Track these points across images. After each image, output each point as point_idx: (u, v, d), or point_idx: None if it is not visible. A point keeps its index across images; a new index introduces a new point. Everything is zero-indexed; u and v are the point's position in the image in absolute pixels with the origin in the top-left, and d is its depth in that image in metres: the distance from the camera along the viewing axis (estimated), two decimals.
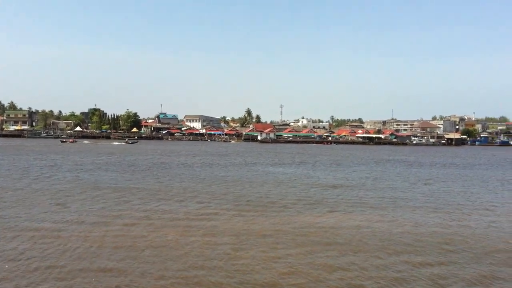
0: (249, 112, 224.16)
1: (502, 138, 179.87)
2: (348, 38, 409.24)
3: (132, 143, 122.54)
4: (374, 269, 13.87)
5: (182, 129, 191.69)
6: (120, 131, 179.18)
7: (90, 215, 20.70)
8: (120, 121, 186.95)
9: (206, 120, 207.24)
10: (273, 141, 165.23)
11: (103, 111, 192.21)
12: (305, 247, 16.09)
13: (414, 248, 16.24)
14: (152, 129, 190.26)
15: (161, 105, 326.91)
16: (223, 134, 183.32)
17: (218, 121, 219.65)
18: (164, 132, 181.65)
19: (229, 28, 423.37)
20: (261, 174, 42.52)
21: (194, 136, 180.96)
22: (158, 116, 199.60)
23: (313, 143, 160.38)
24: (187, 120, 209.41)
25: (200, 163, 55.14)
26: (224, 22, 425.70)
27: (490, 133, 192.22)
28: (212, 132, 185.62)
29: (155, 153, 76.34)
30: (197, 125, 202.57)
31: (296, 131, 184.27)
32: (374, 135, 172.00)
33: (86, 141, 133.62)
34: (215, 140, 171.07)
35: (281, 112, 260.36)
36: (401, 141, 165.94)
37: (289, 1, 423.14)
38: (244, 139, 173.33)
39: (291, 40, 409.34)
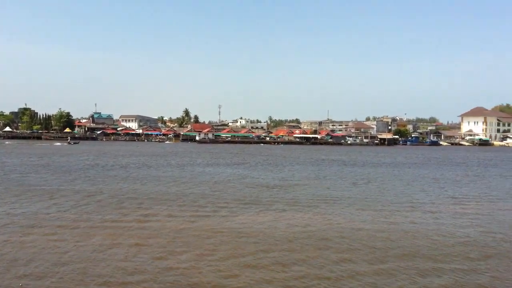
0: (187, 112, 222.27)
1: (432, 138, 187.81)
2: (286, 40, 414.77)
3: (74, 143, 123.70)
4: (309, 268, 14.13)
5: (118, 129, 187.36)
6: (52, 131, 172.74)
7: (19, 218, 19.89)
8: (52, 121, 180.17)
9: (143, 120, 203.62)
10: (212, 141, 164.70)
11: (34, 110, 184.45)
12: (241, 248, 16.16)
13: (343, 245, 16.67)
14: (86, 129, 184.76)
15: (96, 104, 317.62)
16: (160, 135, 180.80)
17: (155, 121, 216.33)
18: (98, 132, 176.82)
19: (166, 28, 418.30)
20: (198, 175, 42.30)
21: (131, 136, 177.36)
22: (92, 116, 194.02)
23: (251, 143, 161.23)
24: (123, 120, 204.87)
25: (136, 164, 54.14)
26: (161, 21, 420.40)
27: (420, 133, 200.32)
28: (149, 133, 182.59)
29: (94, 154, 74.25)
30: (133, 125, 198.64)
31: (235, 131, 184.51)
32: (310, 135, 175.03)
33: (7, 142, 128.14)
34: (152, 141, 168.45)
35: (219, 112, 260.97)
36: (337, 141, 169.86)
37: (226, 3, 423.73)
38: (182, 139, 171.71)
39: (229, 40, 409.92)
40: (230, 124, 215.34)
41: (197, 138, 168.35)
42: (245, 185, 34.70)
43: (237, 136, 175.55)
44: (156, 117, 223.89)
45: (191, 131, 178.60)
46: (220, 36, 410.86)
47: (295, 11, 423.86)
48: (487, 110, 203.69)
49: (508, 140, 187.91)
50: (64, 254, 14.83)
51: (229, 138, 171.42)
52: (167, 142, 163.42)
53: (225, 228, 18.96)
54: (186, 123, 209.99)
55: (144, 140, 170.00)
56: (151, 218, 20.76)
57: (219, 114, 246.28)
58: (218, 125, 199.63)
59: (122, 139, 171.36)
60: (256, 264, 14.23)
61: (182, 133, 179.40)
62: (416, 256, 15.41)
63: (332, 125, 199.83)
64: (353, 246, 16.49)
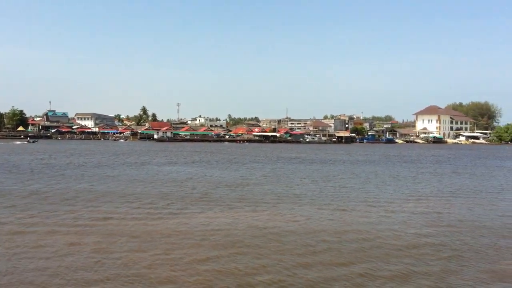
0: (144, 110, 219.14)
1: (387, 136, 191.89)
2: (245, 38, 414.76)
3: (33, 142, 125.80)
4: (267, 268, 14.10)
5: (73, 127, 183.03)
6: (4, 130, 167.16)
7: None
8: (5, 119, 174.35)
9: (99, 118, 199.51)
10: (170, 139, 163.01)
11: None
12: (198, 248, 15.99)
13: (298, 244, 16.73)
14: (40, 127, 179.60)
15: (50, 102, 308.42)
16: (117, 133, 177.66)
17: (112, 119, 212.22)
18: (53, 130, 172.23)
19: (123, 25, 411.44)
20: (155, 174, 41.75)
21: (86, 135, 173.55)
22: (46, 114, 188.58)
23: (211, 141, 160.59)
24: (78, 118, 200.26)
25: (92, 163, 52.98)
26: (117, 19, 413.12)
27: (376, 131, 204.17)
28: (106, 131, 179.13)
29: (49, 153, 72.20)
30: (89, 123, 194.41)
31: (194, 130, 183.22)
32: (270, 134, 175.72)
33: None
34: (109, 139, 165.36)
35: (178, 110, 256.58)
36: (295, 139, 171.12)
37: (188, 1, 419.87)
38: (140, 137, 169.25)
39: (188, 38, 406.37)
40: (189, 122, 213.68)
41: (155, 136, 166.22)
42: (204, 183, 34.47)
43: (196, 134, 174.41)
44: (112, 115, 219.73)
45: (149, 129, 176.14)
46: (178, 34, 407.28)
47: (250, 7, 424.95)
48: (440, 108, 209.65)
49: (461, 138, 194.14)
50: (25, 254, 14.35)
51: (188, 137, 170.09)
52: (124, 140, 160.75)
53: (182, 227, 18.73)
54: (144, 121, 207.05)
55: (100, 139, 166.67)
56: (106, 219, 20.30)
57: (178, 112, 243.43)
58: (176, 123, 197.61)
59: (77, 137, 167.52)
60: (212, 263, 14.09)
61: (139, 132, 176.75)
62: (365, 253, 15.65)
63: (291, 124, 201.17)
64: (309, 245, 16.59)
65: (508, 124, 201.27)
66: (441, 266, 14.23)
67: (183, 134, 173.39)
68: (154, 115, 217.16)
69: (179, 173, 43.32)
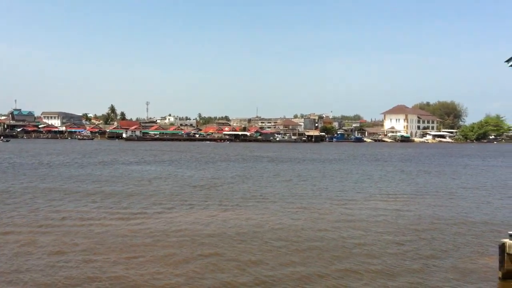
0: (113, 109, 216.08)
1: (356, 135, 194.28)
2: (215, 37, 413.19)
3: (6, 141, 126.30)
4: (230, 268, 14.07)
5: (40, 126, 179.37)
6: None
7: None
8: None
9: (66, 117, 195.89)
10: (139, 138, 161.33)
11: None
12: (166, 248, 15.85)
13: (259, 244, 16.76)
14: (6, 126, 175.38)
15: (15, 101, 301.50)
16: (85, 132, 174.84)
17: (79, 118, 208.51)
18: (19, 130, 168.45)
19: (92, 23, 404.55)
20: (123, 173, 41.24)
21: (53, 134, 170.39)
22: (11, 113, 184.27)
23: (181, 140, 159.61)
24: (45, 117, 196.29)
25: (58, 162, 51.99)
26: (87, 17, 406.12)
27: (346, 130, 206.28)
28: (73, 130, 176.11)
29: (15, 153, 70.52)
30: (56, 122, 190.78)
31: (163, 129, 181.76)
32: (240, 133, 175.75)
33: None
34: (76, 138, 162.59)
35: (147, 109, 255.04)
36: (266, 138, 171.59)
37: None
38: (108, 136, 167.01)
39: (157, 36, 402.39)
40: (158, 121, 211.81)
41: (124, 135, 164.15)
42: (172, 183, 34.23)
43: (166, 133, 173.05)
44: (80, 114, 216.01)
45: (118, 128, 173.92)
46: (147, 32, 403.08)
47: (220, 6, 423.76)
48: (408, 108, 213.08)
49: (428, 137, 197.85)
50: None
51: (158, 136, 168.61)
52: (91, 139, 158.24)
53: (141, 227, 18.55)
54: (112, 120, 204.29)
55: (67, 138, 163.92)
56: (68, 219, 19.95)
57: (147, 111, 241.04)
58: (146, 122, 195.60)
59: (44, 137, 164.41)
60: (181, 264, 13.98)
61: (108, 130, 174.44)
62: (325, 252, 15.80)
63: (262, 123, 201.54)
64: (280, 244, 16.64)
65: (473, 123, 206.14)
66: (403, 265, 14.45)
67: (153, 133, 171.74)
68: (122, 114, 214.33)
69: (146, 172, 42.90)
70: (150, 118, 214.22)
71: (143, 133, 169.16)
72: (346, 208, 24.03)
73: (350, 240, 17.07)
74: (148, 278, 12.70)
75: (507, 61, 13.83)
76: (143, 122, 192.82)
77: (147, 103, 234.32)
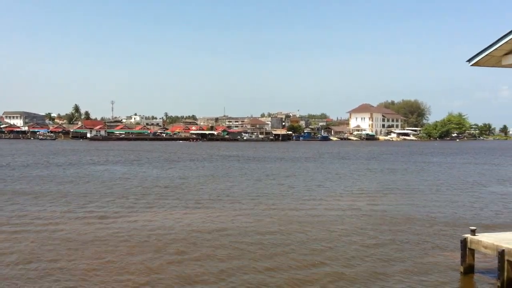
0: (77, 109, 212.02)
1: (323, 134, 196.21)
2: (181, 35, 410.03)
3: None
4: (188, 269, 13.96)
5: (1, 126, 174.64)
6: None
7: None
8: None
9: (29, 117, 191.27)
10: (104, 138, 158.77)
11: None
12: (131, 250, 15.62)
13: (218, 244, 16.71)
14: None
15: None
16: (48, 132, 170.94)
17: (42, 117, 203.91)
18: None
19: (55, 21, 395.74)
20: (87, 174, 40.50)
21: (15, 134, 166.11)
22: None
23: (147, 139, 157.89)
24: (6, 116, 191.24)
25: (19, 163, 50.65)
26: (50, 14, 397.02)
27: (312, 128, 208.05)
28: (36, 130, 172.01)
29: None
30: (18, 122, 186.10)
31: (129, 128, 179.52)
32: (207, 132, 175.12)
33: None
34: (39, 138, 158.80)
35: (112, 108, 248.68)
36: (233, 137, 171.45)
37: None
38: (72, 136, 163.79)
39: (122, 34, 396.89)
40: (124, 120, 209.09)
41: (88, 135, 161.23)
42: (140, 183, 33.81)
43: (131, 133, 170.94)
44: (43, 114, 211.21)
45: (82, 128, 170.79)
46: (113, 30, 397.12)
47: (188, 4, 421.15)
48: (373, 106, 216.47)
49: (392, 135, 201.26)
50: None
51: (123, 135, 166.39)
52: (53, 139, 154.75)
53: (113, 230, 18.26)
54: (76, 120, 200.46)
55: (30, 138, 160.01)
56: (28, 221, 19.46)
57: (112, 111, 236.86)
58: (111, 122, 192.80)
59: (5, 137, 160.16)
60: (145, 266, 13.80)
61: (72, 130, 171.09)
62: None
63: (229, 122, 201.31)
64: (244, 244, 16.62)
65: (436, 122, 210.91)
66: (366, 261, 14.62)
67: (118, 132, 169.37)
68: (87, 114, 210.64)
69: (111, 172, 42.23)
70: (116, 117, 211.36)
71: (108, 132, 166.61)
72: (311, 207, 24.17)
73: (314, 239, 17.15)
74: (110, 279, 12.49)
75: (469, 60, 14.13)
76: (108, 122, 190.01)
77: (112, 102, 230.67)
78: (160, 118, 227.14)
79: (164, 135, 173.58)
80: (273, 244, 16.29)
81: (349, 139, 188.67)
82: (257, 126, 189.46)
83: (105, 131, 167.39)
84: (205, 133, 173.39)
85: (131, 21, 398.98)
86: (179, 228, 18.57)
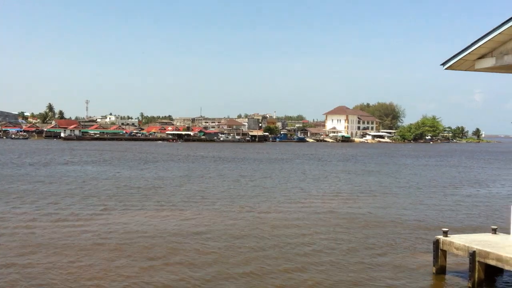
0: (50, 108, 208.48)
1: (299, 135, 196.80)
2: (156, 34, 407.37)
3: None
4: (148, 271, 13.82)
5: None
6: None
7: None
8: None
9: (1, 116, 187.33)
10: (79, 138, 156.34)
11: None
12: (101, 250, 15.39)
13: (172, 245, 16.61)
14: None
15: None
16: (21, 131, 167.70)
17: (15, 116, 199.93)
18: None
19: (26, 18, 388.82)
20: (61, 174, 39.83)
21: None
22: None
23: (122, 140, 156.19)
24: None
25: None
26: (18, 9, 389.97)
27: (289, 130, 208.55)
28: (8, 129, 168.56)
29: None
30: None
31: (104, 128, 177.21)
32: (183, 132, 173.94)
33: None
34: (12, 137, 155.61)
35: (87, 108, 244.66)
36: (210, 138, 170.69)
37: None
38: (46, 136, 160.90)
39: (97, 32, 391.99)
40: (99, 120, 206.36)
41: (62, 134, 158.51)
42: (113, 184, 33.40)
43: (106, 132, 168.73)
44: (16, 113, 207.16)
45: (56, 127, 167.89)
46: (87, 27, 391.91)
47: (161, 4, 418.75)
48: (349, 109, 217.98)
49: (367, 137, 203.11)
50: None
51: (98, 135, 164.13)
52: (25, 139, 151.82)
53: (85, 232, 17.97)
54: (50, 119, 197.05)
55: (2, 137, 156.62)
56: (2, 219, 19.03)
57: (87, 110, 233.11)
58: (85, 121, 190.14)
59: None
60: (114, 266, 13.60)
61: (45, 130, 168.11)
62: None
63: (205, 122, 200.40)
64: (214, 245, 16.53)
65: (410, 124, 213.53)
66: (339, 263, 14.68)
67: (93, 132, 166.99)
68: (61, 113, 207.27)
69: (85, 172, 41.62)
70: (90, 117, 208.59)
71: (82, 132, 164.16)
72: (286, 209, 24.20)
73: (288, 243, 17.13)
74: (79, 279, 12.27)
75: (443, 64, 14.32)
76: (82, 121, 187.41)
77: (87, 102, 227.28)
78: (135, 118, 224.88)
79: (140, 135, 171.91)
80: (248, 248, 16.19)
81: (325, 141, 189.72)
82: (234, 127, 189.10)
83: (80, 130, 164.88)
84: (181, 134, 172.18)
85: (105, 20, 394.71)
86: (152, 231, 18.34)
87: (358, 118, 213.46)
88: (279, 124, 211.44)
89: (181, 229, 18.54)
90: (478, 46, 13.18)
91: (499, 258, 11.84)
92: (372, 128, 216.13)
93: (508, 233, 13.89)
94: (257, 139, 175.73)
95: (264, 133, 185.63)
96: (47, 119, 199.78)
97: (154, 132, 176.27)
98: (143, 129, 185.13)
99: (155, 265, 13.91)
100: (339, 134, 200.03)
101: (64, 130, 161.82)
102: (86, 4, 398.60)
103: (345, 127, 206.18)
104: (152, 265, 13.91)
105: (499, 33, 12.56)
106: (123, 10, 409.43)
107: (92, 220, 20.06)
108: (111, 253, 14.92)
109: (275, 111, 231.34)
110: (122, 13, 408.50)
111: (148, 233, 17.80)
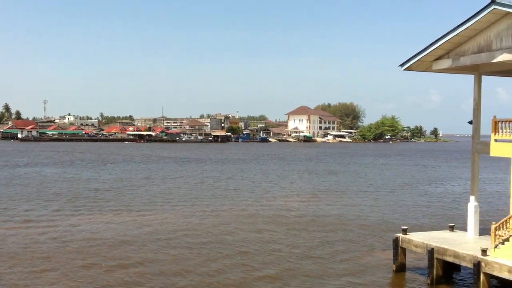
0: (7, 108, 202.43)
1: (261, 135, 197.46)
2: (118, 34, 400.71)
3: None
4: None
5: None
6: None
7: None
8: None
9: None
10: (36, 139, 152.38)
11: None
12: (60, 255, 15.01)
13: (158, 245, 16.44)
14: None
15: None
16: None
17: None
18: None
19: None
20: (17, 176, 38.69)
21: None
22: None
23: (82, 140, 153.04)
24: None
25: None
26: None
27: (251, 130, 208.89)
28: None
29: None
30: None
31: (63, 129, 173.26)
32: (145, 133, 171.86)
33: None
34: None
35: (45, 108, 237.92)
36: (172, 138, 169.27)
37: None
38: (2, 137, 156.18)
39: (56, 32, 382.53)
40: (57, 120, 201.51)
41: (19, 135, 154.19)
42: (71, 186, 32.67)
43: (65, 133, 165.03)
44: None
45: (13, 128, 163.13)
46: (45, 27, 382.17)
47: (127, 4, 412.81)
48: (310, 109, 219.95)
49: (329, 137, 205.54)
50: None
51: (56, 136, 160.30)
52: None
53: (41, 234, 17.51)
54: (6, 120, 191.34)
55: None
56: None
57: (45, 110, 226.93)
58: (43, 122, 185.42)
59: None
60: (79, 274, 13.30)
61: (1, 131, 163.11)
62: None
63: (167, 122, 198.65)
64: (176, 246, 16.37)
65: (370, 124, 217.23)
66: (300, 261, 14.76)
67: (51, 133, 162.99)
68: (18, 113, 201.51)
69: (42, 174, 40.55)
70: (48, 117, 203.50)
71: (40, 133, 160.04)
72: (246, 209, 24.31)
73: (247, 242, 17.14)
74: (33, 284, 11.94)
75: (401, 65, 14.61)
76: (40, 122, 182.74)
77: (45, 102, 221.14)
78: (95, 119, 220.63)
79: (100, 136, 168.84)
80: (207, 249, 16.11)
81: (288, 141, 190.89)
82: (196, 127, 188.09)
83: (37, 131, 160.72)
84: (142, 134, 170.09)
85: (64, 17, 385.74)
86: (110, 233, 18.07)
87: (320, 118, 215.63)
88: (241, 124, 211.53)
89: (140, 232, 18.32)
90: (435, 48, 13.52)
91: (456, 255, 12.15)
92: (333, 128, 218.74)
93: (465, 230, 14.28)
94: (219, 140, 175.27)
95: (226, 133, 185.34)
96: (3, 119, 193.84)
97: (115, 133, 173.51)
98: (103, 130, 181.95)
99: (111, 268, 13.67)
100: (301, 134, 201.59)
101: (21, 131, 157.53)
102: (46, 1, 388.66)
103: (307, 127, 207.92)
104: (109, 268, 13.66)
105: (455, 35, 12.93)
106: (82, 8, 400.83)
107: (48, 224, 19.60)
108: (66, 256, 14.58)
109: (237, 111, 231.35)
110: (80, 11, 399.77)
111: (104, 236, 17.50)
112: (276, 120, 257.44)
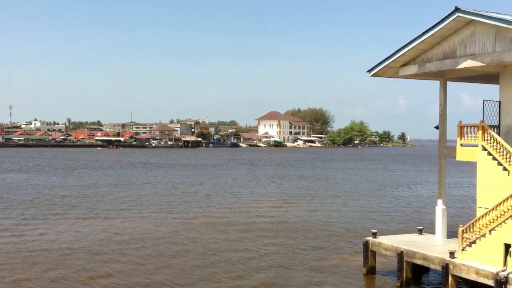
0: None
1: (232, 140, 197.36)
2: (85, 36, 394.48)
3: None
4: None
5: None
6: None
7: None
8: None
9: None
10: (2, 145, 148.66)
11: None
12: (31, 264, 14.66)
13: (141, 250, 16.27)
14: None
15: None
16: None
17: None
18: None
19: None
20: None
21: None
22: None
23: (48, 146, 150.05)
24: None
25: None
26: None
27: (222, 135, 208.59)
28: None
29: None
30: None
31: (29, 134, 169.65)
32: (114, 138, 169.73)
33: None
34: None
35: (10, 113, 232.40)
36: (141, 143, 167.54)
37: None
38: None
39: (22, 35, 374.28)
40: (23, 126, 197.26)
41: None
42: (36, 192, 32.00)
43: (31, 139, 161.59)
44: None
45: None
46: (11, 30, 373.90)
47: (98, 4, 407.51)
48: (281, 114, 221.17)
49: (299, 142, 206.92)
50: None
51: (23, 142, 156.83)
52: None
53: (9, 243, 17.09)
54: None
55: None
56: None
57: (10, 116, 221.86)
58: (9, 128, 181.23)
59: None
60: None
61: None
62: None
63: (136, 128, 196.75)
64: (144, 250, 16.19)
65: (340, 129, 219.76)
66: (268, 264, 14.79)
67: (17, 139, 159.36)
68: None
69: (6, 181, 39.59)
70: (14, 123, 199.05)
71: (6, 139, 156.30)
72: (214, 214, 24.42)
73: (214, 247, 17.12)
74: None
75: (369, 71, 14.85)
76: (5, 127, 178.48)
77: (10, 107, 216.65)
78: (62, 124, 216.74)
79: (67, 141, 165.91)
80: (171, 255, 16.02)
81: (258, 146, 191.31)
82: (166, 132, 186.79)
83: (3, 137, 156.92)
84: (111, 140, 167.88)
85: (29, 21, 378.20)
86: (77, 243, 17.76)
87: (290, 123, 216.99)
88: (212, 130, 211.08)
89: (109, 242, 18.04)
90: (402, 54, 13.80)
91: (425, 258, 12.37)
92: (303, 133, 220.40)
93: (434, 233, 14.55)
94: (190, 145, 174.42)
95: (197, 139, 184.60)
96: None
97: (83, 138, 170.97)
98: (70, 135, 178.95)
99: (74, 276, 13.45)
100: (272, 139, 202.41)
101: None
102: (11, 2, 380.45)
103: (277, 132, 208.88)
104: (76, 279, 13.43)
105: (421, 42, 13.22)
106: (46, 11, 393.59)
107: (13, 234, 19.11)
108: (26, 265, 14.27)
109: (207, 117, 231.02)
110: (44, 14, 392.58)
111: (72, 246, 17.20)
112: (246, 125, 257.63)
